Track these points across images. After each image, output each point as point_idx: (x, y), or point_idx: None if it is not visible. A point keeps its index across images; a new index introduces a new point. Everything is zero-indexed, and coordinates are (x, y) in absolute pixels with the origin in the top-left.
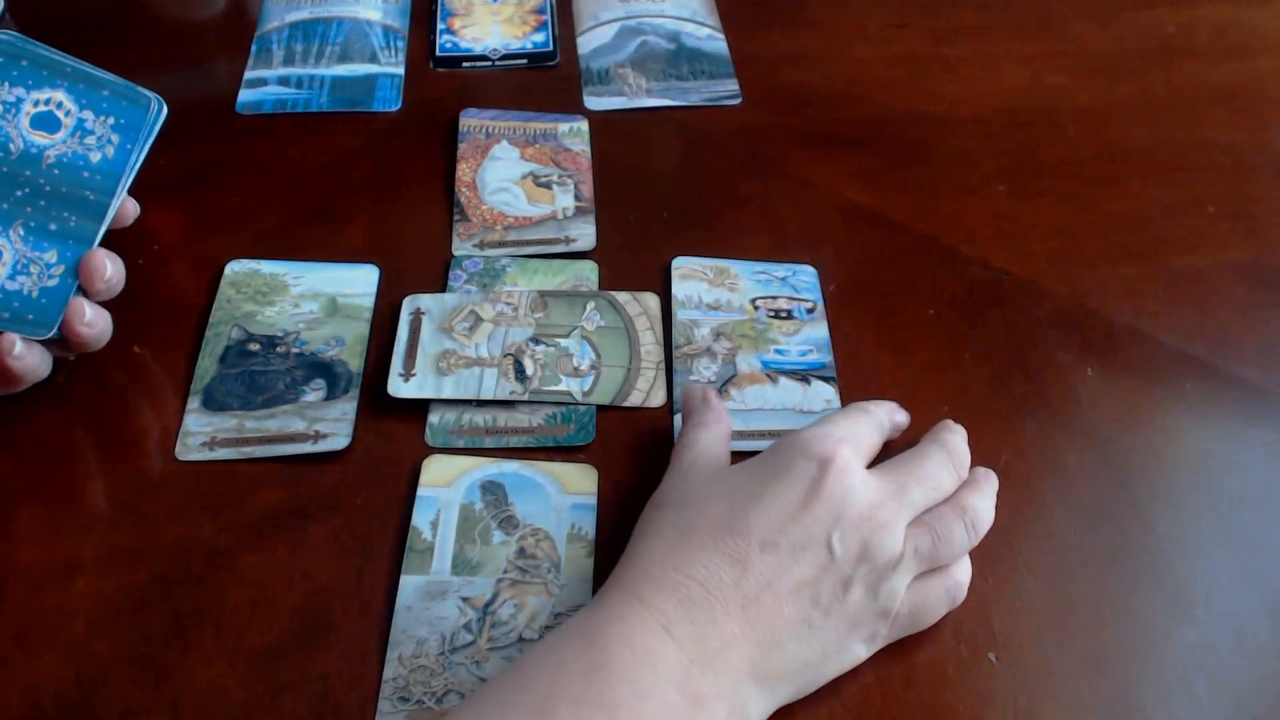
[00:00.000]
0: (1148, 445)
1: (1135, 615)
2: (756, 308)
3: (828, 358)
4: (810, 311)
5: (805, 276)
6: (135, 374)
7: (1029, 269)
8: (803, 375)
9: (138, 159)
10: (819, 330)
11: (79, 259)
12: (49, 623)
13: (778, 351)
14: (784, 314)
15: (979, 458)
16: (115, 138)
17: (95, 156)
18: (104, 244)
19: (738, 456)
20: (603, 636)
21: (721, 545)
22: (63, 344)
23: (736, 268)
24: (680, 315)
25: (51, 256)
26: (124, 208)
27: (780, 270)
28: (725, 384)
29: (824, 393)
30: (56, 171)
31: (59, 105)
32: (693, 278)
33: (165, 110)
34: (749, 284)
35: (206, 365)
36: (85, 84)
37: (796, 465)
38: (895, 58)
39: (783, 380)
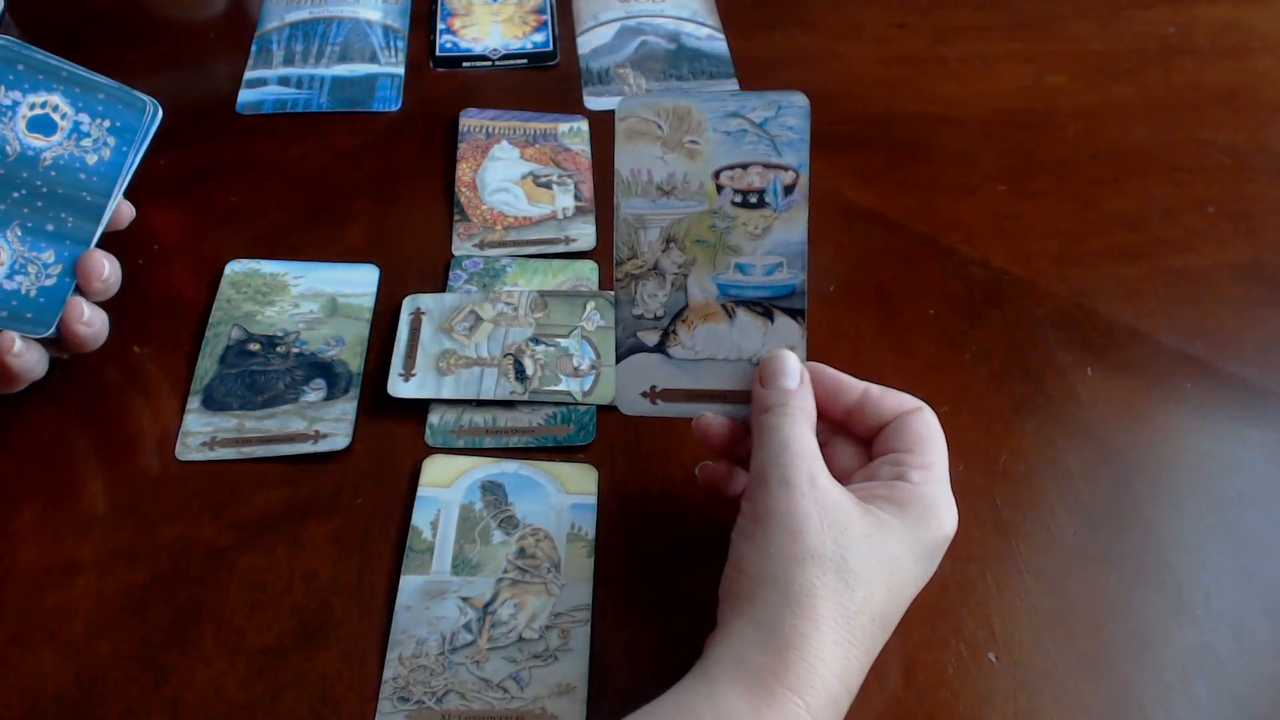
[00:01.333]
0: (1147, 445)
1: (1135, 615)
2: (720, 188)
3: (799, 275)
4: (789, 191)
5: (792, 117)
6: (135, 374)
7: (1029, 269)
8: (764, 306)
9: (134, 161)
10: (794, 228)
11: (76, 259)
12: (49, 623)
13: (739, 267)
14: (755, 199)
15: (979, 457)
16: (111, 140)
17: (92, 159)
18: (101, 246)
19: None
20: None
21: (876, 645)
22: (59, 344)
23: (700, 110)
24: (625, 208)
25: (49, 256)
26: (120, 210)
27: (758, 107)
28: (673, 321)
29: (787, 334)
30: (53, 173)
31: (55, 109)
32: (643, 135)
33: (160, 113)
34: (715, 141)
35: (206, 365)
36: (81, 88)
37: (937, 554)
38: (895, 58)
39: (740, 314)
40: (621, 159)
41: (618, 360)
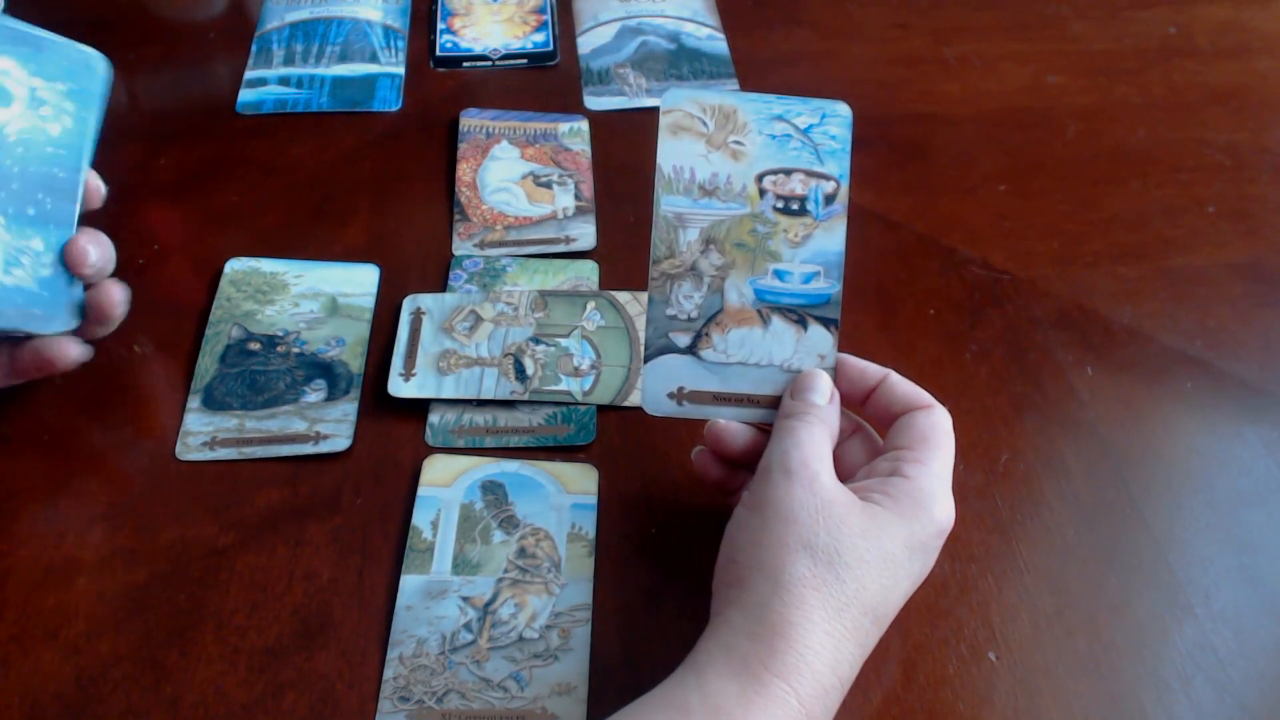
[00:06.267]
0: (1147, 444)
1: (1134, 614)
2: (763, 192)
3: (835, 285)
4: (830, 201)
5: (835, 126)
6: (135, 374)
7: (1029, 269)
8: (799, 315)
9: (95, 126)
10: (833, 237)
11: (64, 246)
12: (49, 623)
13: (777, 274)
14: (796, 206)
15: (979, 456)
16: (70, 106)
17: (54, 128)
18: (97, 227)
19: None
20: None
21: (869, 639)
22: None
23: (745, 110)
24: (665, 204)
25: (38, 244)
26: (91, 185)
27: (803, 113)
28: (707, 324)
29: (819, 343)
30: (20, 150)
31: (7, 74)
32: (686, 130)
33: (111, 69)
34: (759, 144)
35: (206, 365)
36: (28, 46)
37: (931, 549)
38: (895, 58)
39: (775, 321)
40: (664, 154)
41: (646, 360)
